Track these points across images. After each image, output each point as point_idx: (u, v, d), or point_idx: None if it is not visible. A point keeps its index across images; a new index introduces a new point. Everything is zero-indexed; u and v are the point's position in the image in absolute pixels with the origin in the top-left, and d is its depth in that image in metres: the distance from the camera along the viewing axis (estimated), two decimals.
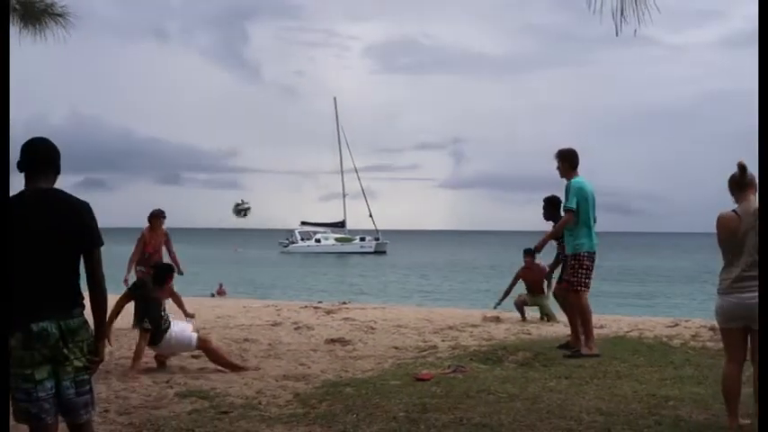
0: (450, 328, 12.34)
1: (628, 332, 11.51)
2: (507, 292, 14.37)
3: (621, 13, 5.36)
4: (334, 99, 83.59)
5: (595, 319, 13.32)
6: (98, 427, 6.08)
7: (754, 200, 5.92)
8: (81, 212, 4.09)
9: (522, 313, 13.75)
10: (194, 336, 8.88)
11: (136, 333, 9.26)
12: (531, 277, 13.84)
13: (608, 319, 13.60)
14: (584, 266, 9.45)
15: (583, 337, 9.48)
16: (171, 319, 8.90)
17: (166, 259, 12.41)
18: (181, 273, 12.25)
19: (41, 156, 4.11)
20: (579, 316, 9.61)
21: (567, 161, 9.56)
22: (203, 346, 8.82)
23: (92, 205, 4.16)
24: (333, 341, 10.78)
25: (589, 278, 9.51)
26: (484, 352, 9.57)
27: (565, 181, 9.52)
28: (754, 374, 6.00)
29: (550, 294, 12.14)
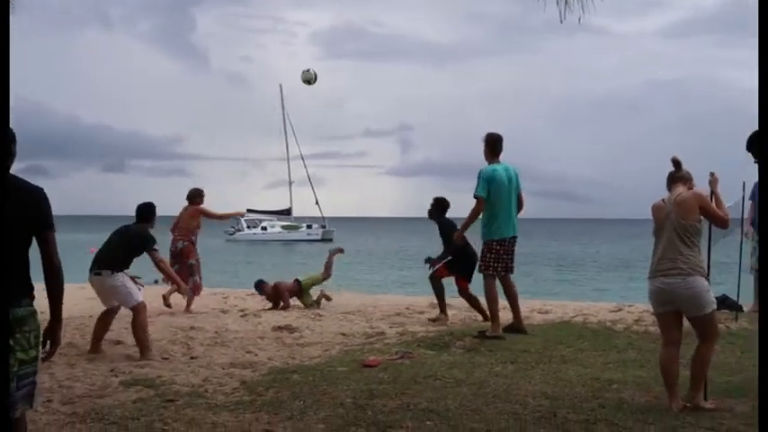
0: (398, 314, 12.39)
1: (572, 317, 11.66)
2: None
3: (566, 1, 5.43)
4: (280, 86, 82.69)
5: (540, 304, 13.56)
6: (41, 417, 6.00)
7: (681, 190, 6.17)
8: (35, 197, 4.01)
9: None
10: (141, 296, 8.95)
11: (80, 321, 9.19)
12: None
13: (553, 305, 13.76)
14: (493, 251, 9.65)
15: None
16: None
17: None
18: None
19: None
20: (486, 297, 9.84)
21: (488, 146, 9.68)
22: (140, 310, 8.81)
23: None
24: (280, 328, 10.74)
25: (498, 263, 9.69)
26: (431, 338, 9.61)
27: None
28: (693, 353, 6.15)
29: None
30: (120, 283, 8.79)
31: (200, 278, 13.34)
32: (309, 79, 12.98)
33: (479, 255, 10.00)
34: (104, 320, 9.06)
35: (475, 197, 9.59)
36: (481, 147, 9.84)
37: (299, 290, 13.52)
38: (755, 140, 6.25)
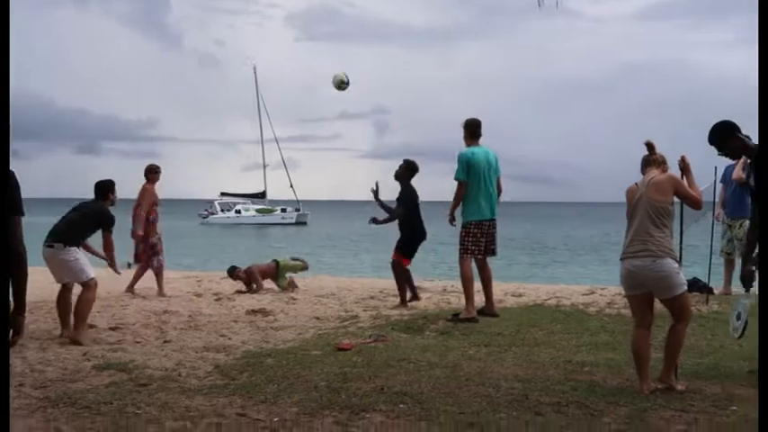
0: (372, 297, 12.40)
1: (546, 300, 11.73)
2: None
3: None
4: (254, 67, 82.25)
5: (513, 287, 13.63)
6: (13, 402, 5.95)
7: (655, 173, 6.21)
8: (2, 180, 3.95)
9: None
10: (93, 272, 8.84)
11: (52, 305, 9.12)
12: None
13: (527, 288, 13.86)
14: (471, 234, 9.69)
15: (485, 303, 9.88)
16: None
17: None
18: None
19: None
20: (461, 278, 9.85)
21: (467, 130, 9.71)
22: (90, 287, 8.74)
23: None
24: (254, 312, 10.73)
25: (475, 245, 9.73)
26: (405, 321, 9.64)
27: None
28: (667, 334, 6.22)
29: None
30: (72, 258, 8.68)
31: (163, 258, 13.19)
32: (342, 80, 11.65)
33: (459, 237, 9.96)
34: (63, 300, 8.89)
35: (456, 179, 9.61)
36: (460, 132, 9.87)
37: (275, 270, 13.55)
38: (716, 134, 6.32)
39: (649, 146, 6.39)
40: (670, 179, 6.18)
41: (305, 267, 14.44)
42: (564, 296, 12.23)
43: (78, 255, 8.76)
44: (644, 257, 6.06)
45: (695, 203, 6.32)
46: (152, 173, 13.19)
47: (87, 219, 8.98)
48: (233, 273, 13.64)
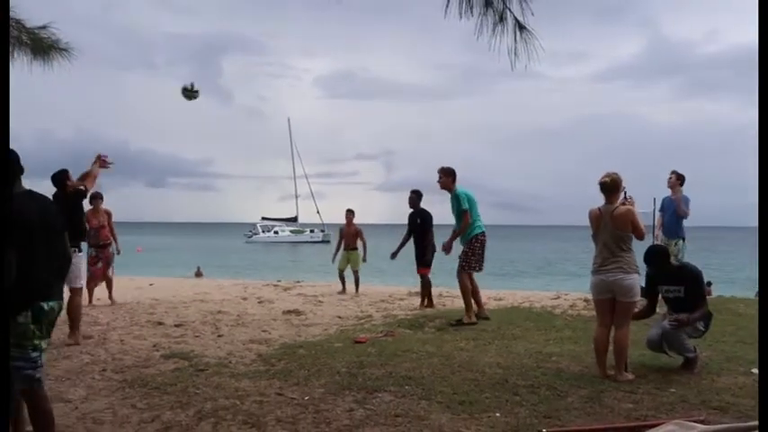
0: (383, 301, 12.37)
1: (521, 303, 11.67)
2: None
3: (515, 53, 5.46)
4: (288, 119, 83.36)
5: (495, 293, 13.56)
6: (98, 383, 5.98)
7: (615, 204, 6.13)
8: (49, 203, 3.90)
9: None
10: (84, 279, 8.24)
11: (130, 306, 9.09)
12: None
13: (505, 293, 13.77)
14: (476, 252, 9.42)
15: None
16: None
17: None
18: (118, 251, 11.90)
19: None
20: (461, 291, 9.53)
21: (451, 176, 9.55)
22: (77, 292, 7.90)
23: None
24: (289, 312, 10.70)
25: (478, 262, 9.46)
26: (409, 320, 9.59)
27: (442, 190, 9.57)
28: (614, 336, 6.16)
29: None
30: (77, 262, 7.68)
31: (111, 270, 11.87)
32: (185, 87, 9.54)
33: (463, 255, 9.57)
34: (72, 306, 7.83)
35: (464, 211, 9.44)
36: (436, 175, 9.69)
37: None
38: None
39: (602, 183, 6.26)
40: (628, 214, 6.07)
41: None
42: (535, 300, 12.16)
43: (79, 261, 7.88)
44: (617, 272, 6.05)
45: (641, 236, 6.20)
46: (93, 199, 11.35)
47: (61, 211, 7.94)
48: None
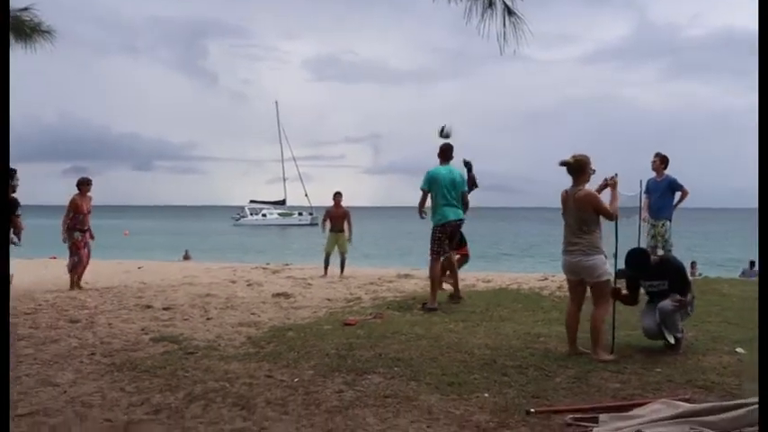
0: (371, 283, 12.37)
1: (509, 285, 11.71)
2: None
3: (504, 37, 5.44)
4: (276, 102, 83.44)
5: (483, 275, 13.61)
6: (86, 367, 5.95)
7: (579, 186, 6.15)
8: None
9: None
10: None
11: (118, 290, 9.05)
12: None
13: (493, 275, 13.83)
14: (436, 238, 9.31)
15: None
16: None
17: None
18: (93, 237, 11.91)
19: None
20: (429, 277, 9.52)
21: (442, 153, 9.41)
22: None
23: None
24: (278, 295, 10.69)
25: (441, 248, 9.30)
26: (398, 302, 9.62)
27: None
28: (591, 315, 6.21)
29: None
30: None
31: (78, 258, 11.72)
32: (449, 134, 9.77)
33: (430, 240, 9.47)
34: None
35: (420, 189, 9.41)
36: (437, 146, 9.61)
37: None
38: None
39: (565, 163, 6.25)
40: (587, 198, 6.10)
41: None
42: (523, 282, 12.21)
43: None
44: (577, 253, 6.13)
45: (608, 217, 6.16)
46: (83, 185, 11.78)
47: None
48: None
